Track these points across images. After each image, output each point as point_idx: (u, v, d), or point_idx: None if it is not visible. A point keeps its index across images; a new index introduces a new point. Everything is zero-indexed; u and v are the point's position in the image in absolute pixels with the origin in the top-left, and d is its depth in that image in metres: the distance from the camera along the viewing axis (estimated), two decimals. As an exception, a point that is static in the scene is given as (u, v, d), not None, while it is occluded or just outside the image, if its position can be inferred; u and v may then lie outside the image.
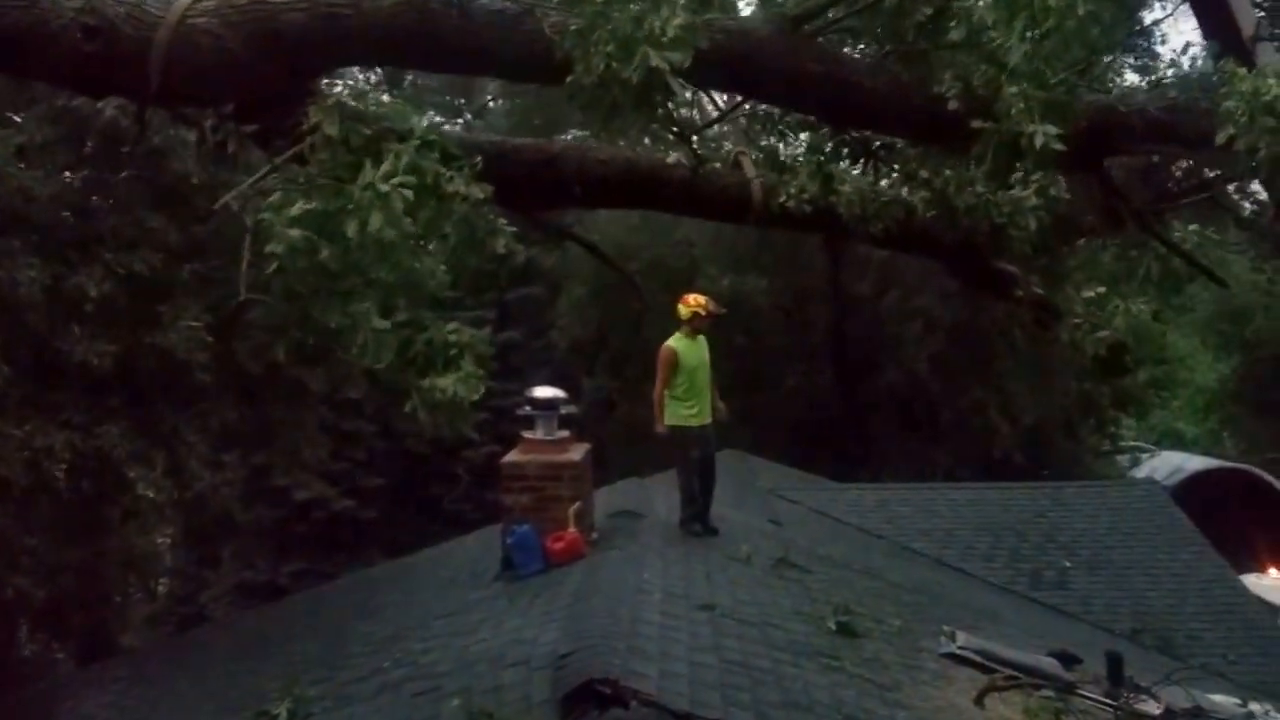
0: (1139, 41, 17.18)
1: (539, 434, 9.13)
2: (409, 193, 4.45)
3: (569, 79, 4.96)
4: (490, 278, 25.19)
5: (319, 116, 4.99)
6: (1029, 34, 4.95)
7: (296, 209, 4.34)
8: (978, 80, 5.27)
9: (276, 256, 4.34)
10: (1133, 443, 31.04)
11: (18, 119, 11.07)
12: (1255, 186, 23.25)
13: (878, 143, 7.15)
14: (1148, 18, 17.23)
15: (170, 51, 4.97)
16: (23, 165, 10.66)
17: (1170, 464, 28.11)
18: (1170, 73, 16.44)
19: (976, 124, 5.25)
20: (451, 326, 4.72)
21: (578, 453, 9.14)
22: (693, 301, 9.75)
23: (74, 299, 10.81)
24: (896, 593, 10.37)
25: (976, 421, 21.17)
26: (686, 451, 9.53)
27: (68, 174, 11.96)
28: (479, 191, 4.79)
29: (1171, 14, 18.97)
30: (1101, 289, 7.01)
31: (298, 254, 4.30)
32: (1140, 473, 26.45)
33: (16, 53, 5.03)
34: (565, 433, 9.27)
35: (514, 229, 5.36)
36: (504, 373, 23.40)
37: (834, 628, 7.50)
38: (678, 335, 9.61)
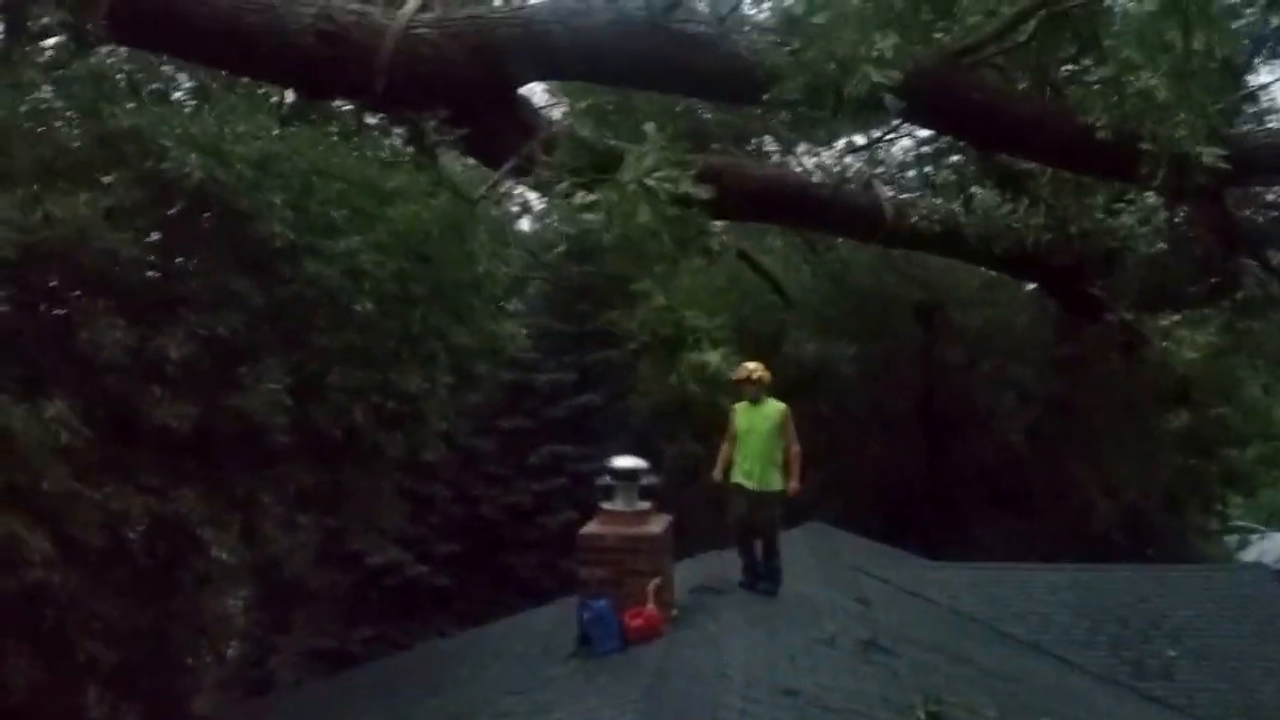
0: (1245, 105, 16.88)
1: (618, 505, 8.96)
2: (671, 185, 4.77)
3: (769, 94, 5.31)
4: (571, 339, 25.14)
5: (571, 121, 5.34)
6: (1176, 73, 5.33)
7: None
8: (1128, 110, 5.65)
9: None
10: (1241, 523, 29.81)
11: (106, 180, 11.18)
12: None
13: (1018, 168, 7.45)
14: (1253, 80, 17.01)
15: (396, 57, 5.30)
16: (110, 227, 10.75)
17: (1280, 547, 26.88)
18: None
19: (1146, 146, 5.73)
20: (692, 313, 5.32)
21: (658, 525, 8.92)
22: (741, 369, 9.71)
23: (155, 361, 10.81)
24: (990, 680, 9.88)
25: (1074, 498, 20.41)
26: (729, 509, 9.77)
27: (154, 234, 12.08)
28: (704, 192, 5.02)
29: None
30: (1176, 317, 7.27)
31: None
32: (1249, 555, 25.34)
33: (250, 54, 5.32)
34: (646, 504, 9.04)
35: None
36: (583, 437, 23.26)
37: (923, 717, 7.21)
38: (744, 400, 9.61)
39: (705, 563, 11.23)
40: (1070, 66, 6.54)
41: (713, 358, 4.97)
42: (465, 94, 5.63)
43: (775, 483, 9.52)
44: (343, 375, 11.08)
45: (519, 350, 15.03)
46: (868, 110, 5.40)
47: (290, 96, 17.04)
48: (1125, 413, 20.94)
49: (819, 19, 5.37)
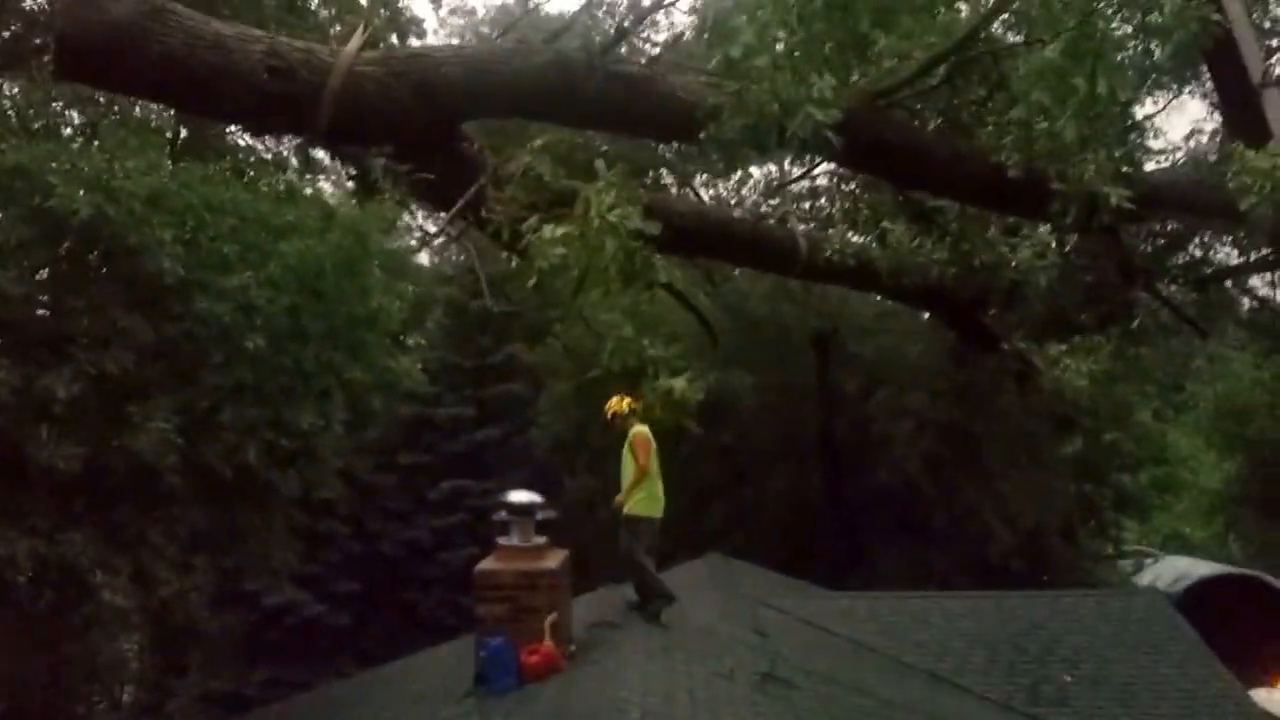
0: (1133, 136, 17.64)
1: (515, 540, 8.86)
2: (632, 223, 4.99)
3: (706, 132, 5.87)
4: (471, 373, 25.00)
5: (529, 159, 5.51)
6: (1081, 116, 5.79)
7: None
8: (1037, 150, 6.06)
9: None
10: (1135, 547, 30.60)
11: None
12: (1254, 282, 23.39)
13: (929, 204, 7.82)
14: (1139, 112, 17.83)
15: (341, 94, 5.31)
16: (-2, 266, 10.50)
17: (1175, 570, 27.63)
18: (1177, 155, 17.19)
19: (1057, 186, 6.24)
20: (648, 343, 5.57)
21: (554, 560, 8.88)
22: (620, 403, 10.16)
23: (43, 400, 10.53)
24: (888, 710, 9.98)
25: (972, 525, 20.73)
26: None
27: (42, 272, 11.80)
28: (653, 227, 5.20)
29: (1163, 109, 19.63)
30: (1063, 347, 7.69)
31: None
32: (1144, 579, 26.01)
33: (203, 90, 5.29)
34: (542, 539, 8.98)
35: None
36: (483, 472, 23.09)
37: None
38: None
39: (604, 598, 11.18)
40: (978, 109, 6.96)
41: (678, 384, 5.33)
42: (408, 132, 5.78)
43: (639, 506, 9.77)
44: (235, 413, 10.88)
45: (416, 385, 14.92)
46: (809, 148, 5.77)
47: (183, 132, 16.81)
48: (1020, 440, 21.43)
49: (760, 61, 5.59)
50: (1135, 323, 9.07)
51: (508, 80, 6.05)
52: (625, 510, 9.72)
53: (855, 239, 7.83)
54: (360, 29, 6.10)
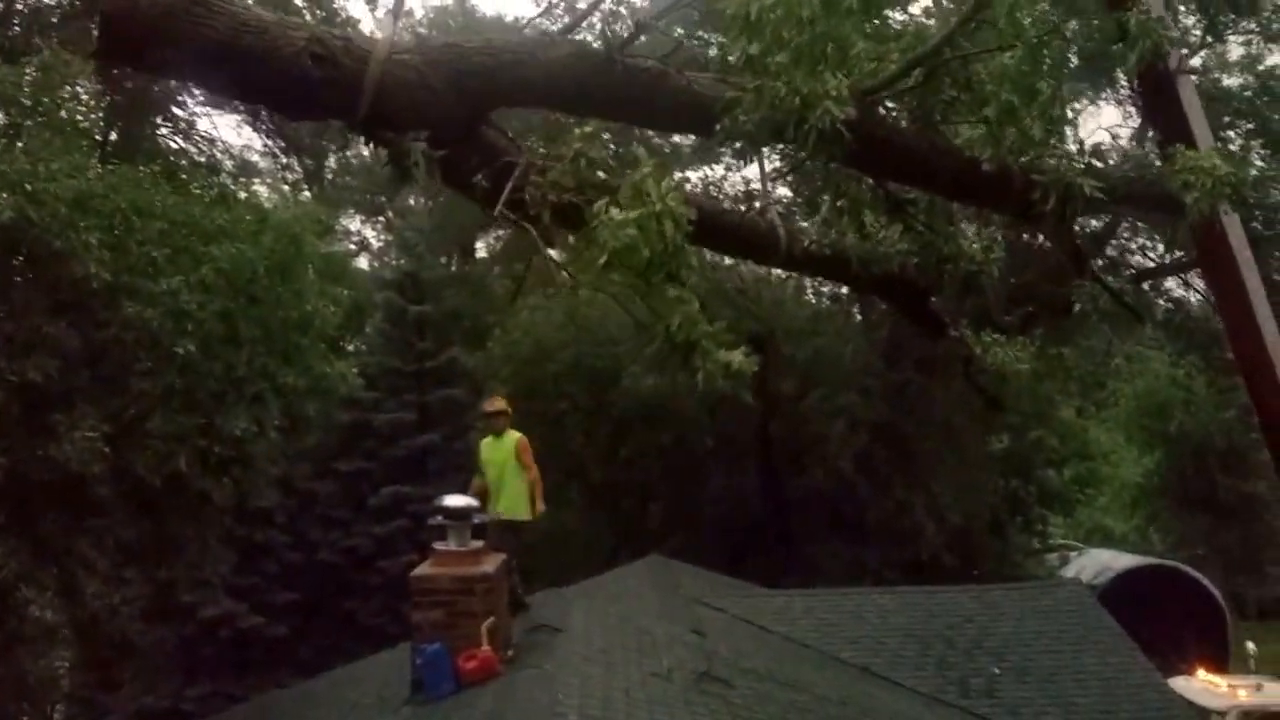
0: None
1: (451, 545, 8.82)
2: (683, 209, 5.60)
3: (721, 125, 6.29)
4: (411, 378, 24.83)
5: (580, 143, 5.73)
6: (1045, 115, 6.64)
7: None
8: (1008, 146, 6.76)
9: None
10: (1061, 541, 31.24)
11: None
12: (1169, 283, 24.15)
13: (903, 196, 8.29)
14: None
15: (381, 82, 5.50)
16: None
17: (1099, 562, 28.26)
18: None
19: (1037, 177, 6.84)
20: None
21: (491, 564, 8.82)
22: (494, 403, 10.33)
23: (-38, 409, 10.31)
24: (823, 706, 10.11)
25: (904, 522, 21.07)
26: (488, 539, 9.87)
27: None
28: (691, 213, 5.51)
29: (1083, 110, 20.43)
30: (998, 335, 8.29)
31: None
32: (1069, 571, 26.54)
33: (251, 78, 5.44)
34: (479, 543, 8.95)
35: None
36: (425, 478, 22.93)
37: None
38: (489, 435, 10.15)
39: (542, 602, 11.21)
40: (946, 109, 7.59)
41: (735, 356, 5.73)
42: (441, 120, 6.13)
43: (520, 510, 9.86)
44: (164, 420, 10.75)
45: (353, 390, 14.83)
46: (825, 141, 6.16)
47: (113, 135, 16.58)
48: (949, 439, 21.84)
49: (780, 58, 6.12)
50: (1077, 307, 9.74)
51: (534, 71, 6.44)
52: (507, 515, 9.80)
53: (832, 231, 8.31)
54: (392, 18, 6.46)
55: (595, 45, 6.83)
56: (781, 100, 6.14)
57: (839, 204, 8.48)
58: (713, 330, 6.04)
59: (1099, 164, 8.19)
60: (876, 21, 7.32)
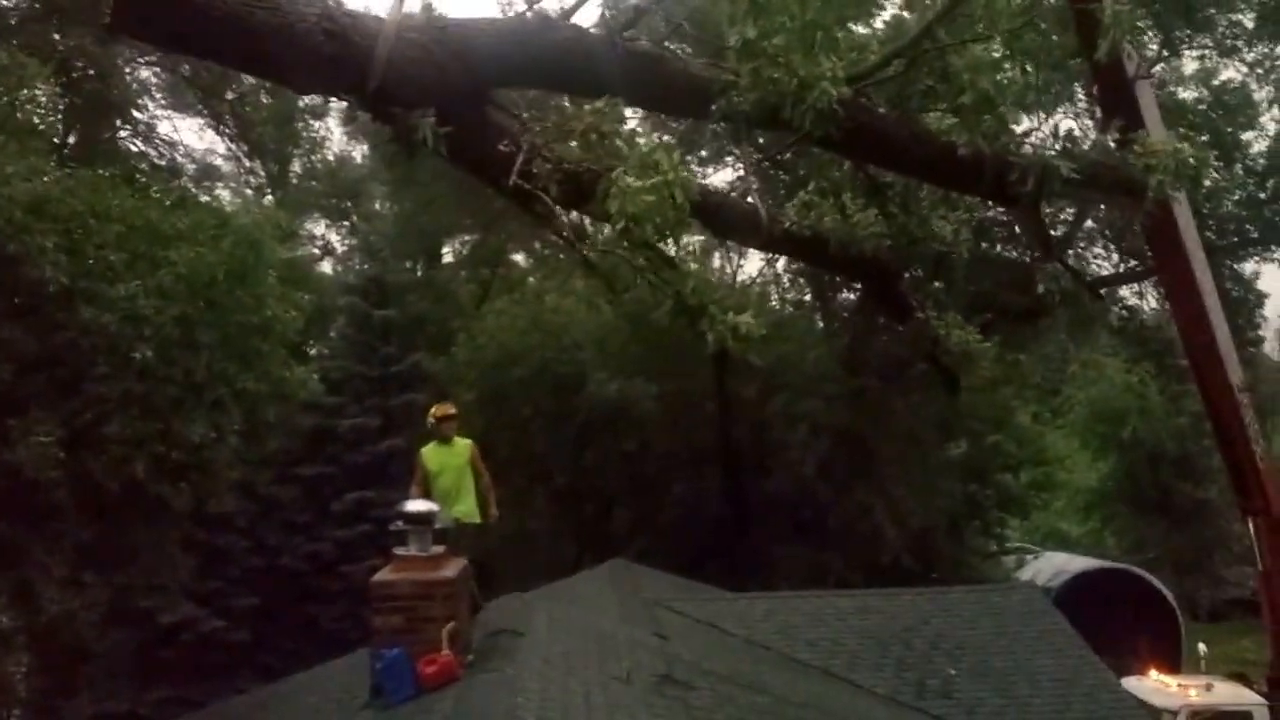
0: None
1: (412, 550, 8.80)
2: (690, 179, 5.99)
3: (717, 105, 6.64)
4: (375, 383, 24.76)
5: (592, 118, 6.43)
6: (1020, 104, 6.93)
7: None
8: (985, 131, 7.12)
9: None
10: (1017, 544, 31.60)
11: None
12: (1124, 291, 24.56)
13: (881, 180, 8.60)
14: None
15: (390, 58, 5.65)
16: None
17: (1054, 565, 28.62)
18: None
19: (1014, 159, 7.16)
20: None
21: (452, 569, 8.81)
22: (430, 411, 10.22)
23: (-84, 414, 10.22)
24: (782, 708, 10.19)
25: (865, 526, 21.25)
26: None
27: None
28: (695, 182, 6.17)
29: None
30: (956, 315, 8.71)
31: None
32: (1025, 574, 26.86)
33: (263, 54, 5.58)
34: (440, 548, 8.94)
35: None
36: (388, 483, 22.86)
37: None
38: (432, 442, 10.06)
39: (503, 607, 11.22)
40: (924, 97, 7.94)
41: (743, 319, 6.08)
42: (446, 97, 6.37)
43: (476, 515, 9.92)
44: (122, 425, 10.70)
45: (313, 395, 14.81)
46: (822, 122, 6.43)
47: (71, 139, 16.45)
48: (909, 444, 22.06)
49: (778, 41, 6.37)
50: (1041, 288, 10.20)
51: (537, 52, 6.72)
52: (465, 520, 9.80)
53: (811, 213, 8.61)
54: None
55: (595, 30, 7.12)
56: (778, 82, 6.43)
57: (822, 186, 8.83)
58: (719, 296, 6.31)
59: (1072, 147, 8.49)
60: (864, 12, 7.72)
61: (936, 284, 13.91)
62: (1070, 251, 22.69)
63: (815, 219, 8.28)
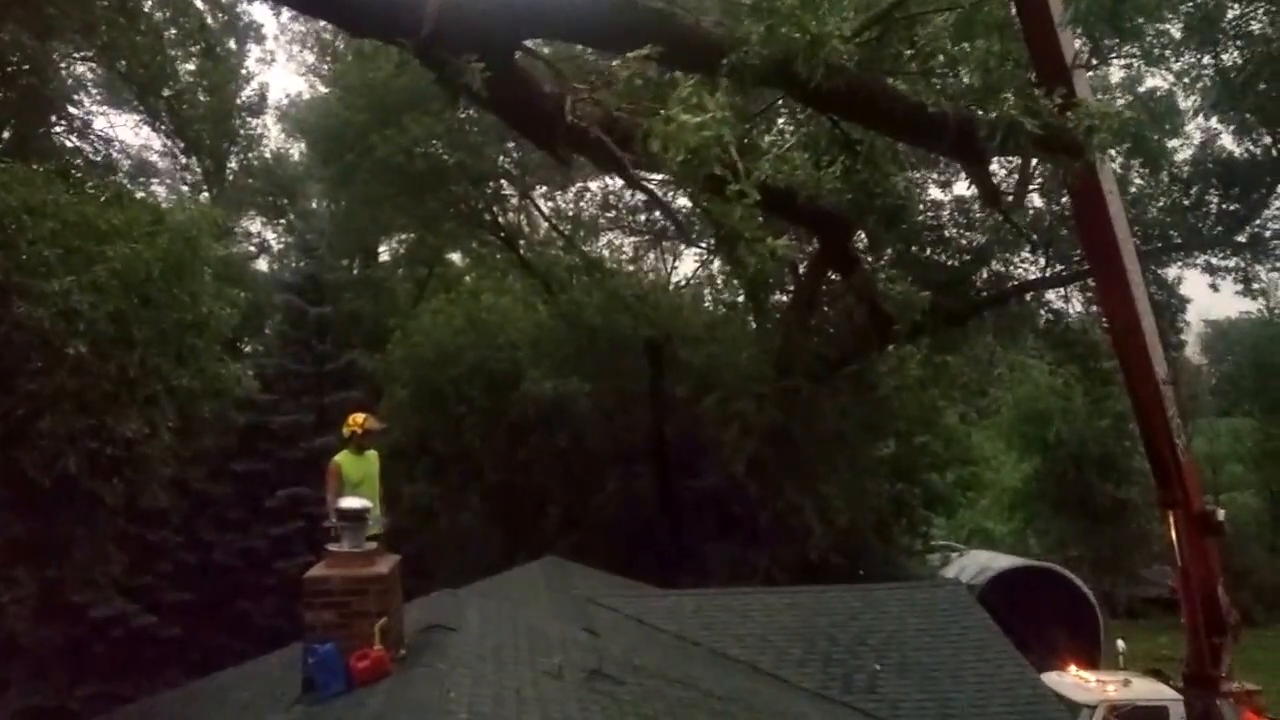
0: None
1: (345, 546, 8.90)
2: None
3: (728, 60, 7.12)
4: (310, 380, 24.68)
5: (634, 66, 6.82)
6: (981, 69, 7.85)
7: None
8: (952, 93, 7.91)
9: None
10: (943, 542, 32.22)
11: None
12: (1050, 295, 25.18)
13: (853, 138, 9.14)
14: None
15: (442, 7, 6.01)
16: None
17: (978, 562, 29.28)
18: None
19: (982, 115, 7.86)
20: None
21: (385, 565, 8.92)
22: (352, 421, 10.20)
23: None
24: (709, 702, 10.38)
25: (793, 523, 21.59)
26: None
27: None
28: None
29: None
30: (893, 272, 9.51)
31: None
32: (950, 571, 27.45)
33: None
34: (373, 545, 9.06)
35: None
36: (322, 480, 22.78)
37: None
38: (345, 451, 10.06)
39: (437, 603, 11.35)
40: (894, 61, 8.56)
41: (780, 244, 6.52)
42: (491, 44, 6.79)
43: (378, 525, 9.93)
44: (54, 421, 10.65)
45: (248, 391, 14.80)
46: (826, 78, 6.90)
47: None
48: (838, 443, 22.46)
49: (790, 1, 6.83)
50: (983, 239, 11.23)
51: (569, 6, 7.30)
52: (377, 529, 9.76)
53: (784, 166, 9.15)
54: None
55: None
56: (791, 39, 6.88)
57: (803, 141, 9.45)
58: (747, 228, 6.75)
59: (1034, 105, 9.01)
60: None
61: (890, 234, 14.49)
62: (996, 257, 23.24)
63: (789, 172, 8.76)
